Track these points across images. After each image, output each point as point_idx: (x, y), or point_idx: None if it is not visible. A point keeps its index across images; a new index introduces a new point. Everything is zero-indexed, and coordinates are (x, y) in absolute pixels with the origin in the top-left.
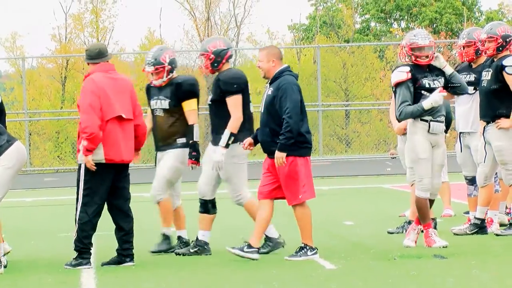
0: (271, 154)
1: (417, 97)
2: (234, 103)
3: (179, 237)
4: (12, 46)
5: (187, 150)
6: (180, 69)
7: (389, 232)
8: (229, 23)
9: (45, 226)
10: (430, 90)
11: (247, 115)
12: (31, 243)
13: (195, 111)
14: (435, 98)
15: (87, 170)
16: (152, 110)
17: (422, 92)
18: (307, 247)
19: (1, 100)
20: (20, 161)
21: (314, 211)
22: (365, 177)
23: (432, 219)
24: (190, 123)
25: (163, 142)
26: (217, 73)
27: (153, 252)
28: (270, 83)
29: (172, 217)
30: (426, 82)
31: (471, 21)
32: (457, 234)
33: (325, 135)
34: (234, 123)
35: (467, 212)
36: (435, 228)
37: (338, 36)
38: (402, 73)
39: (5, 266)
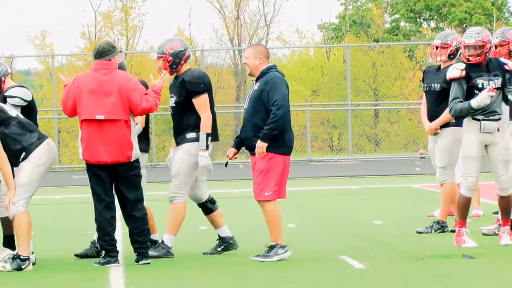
0: (252, 150)
1: (469, 96)
2: (202, 102)
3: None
4: (42, 44)
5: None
6: (210, 67)
7: (418, 232)
8: (259, 22)
9: (74, 224)
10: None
11: (213, 114)
12: (60, 240)
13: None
14: (480, 98)
15: (87, 169)
16: None
17: (475, 91)
18: (277, 246)
19: (32, 97)
20: (50, 158)
21: (343, 210)
22: (394, 177)
23: None
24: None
25: None
26: (175, 75)
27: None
28: (257, 80)
29: (154, 223)
30: (480, 81)
31: (501, 21)
32: (486, 234)
33: (354, 135)
34: (207, 123)
35: (496, 212)
36: None
37: (368, 35)
38: (457, 70)
39: (33, 264)
